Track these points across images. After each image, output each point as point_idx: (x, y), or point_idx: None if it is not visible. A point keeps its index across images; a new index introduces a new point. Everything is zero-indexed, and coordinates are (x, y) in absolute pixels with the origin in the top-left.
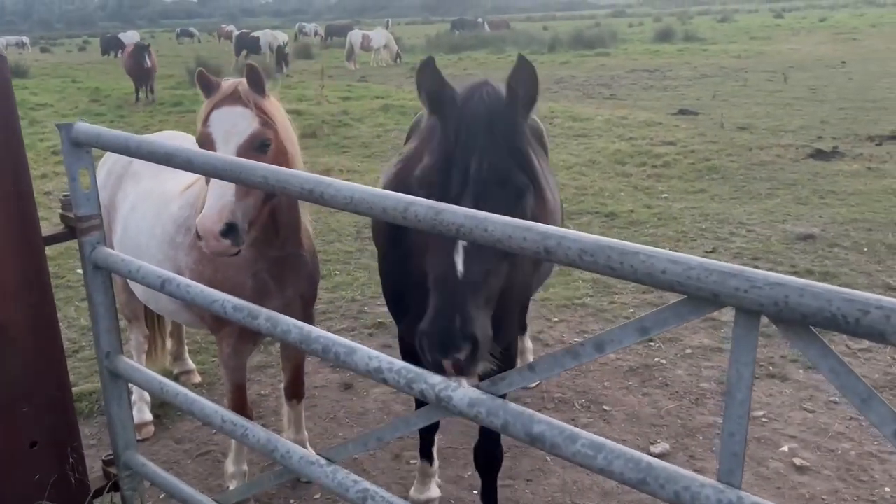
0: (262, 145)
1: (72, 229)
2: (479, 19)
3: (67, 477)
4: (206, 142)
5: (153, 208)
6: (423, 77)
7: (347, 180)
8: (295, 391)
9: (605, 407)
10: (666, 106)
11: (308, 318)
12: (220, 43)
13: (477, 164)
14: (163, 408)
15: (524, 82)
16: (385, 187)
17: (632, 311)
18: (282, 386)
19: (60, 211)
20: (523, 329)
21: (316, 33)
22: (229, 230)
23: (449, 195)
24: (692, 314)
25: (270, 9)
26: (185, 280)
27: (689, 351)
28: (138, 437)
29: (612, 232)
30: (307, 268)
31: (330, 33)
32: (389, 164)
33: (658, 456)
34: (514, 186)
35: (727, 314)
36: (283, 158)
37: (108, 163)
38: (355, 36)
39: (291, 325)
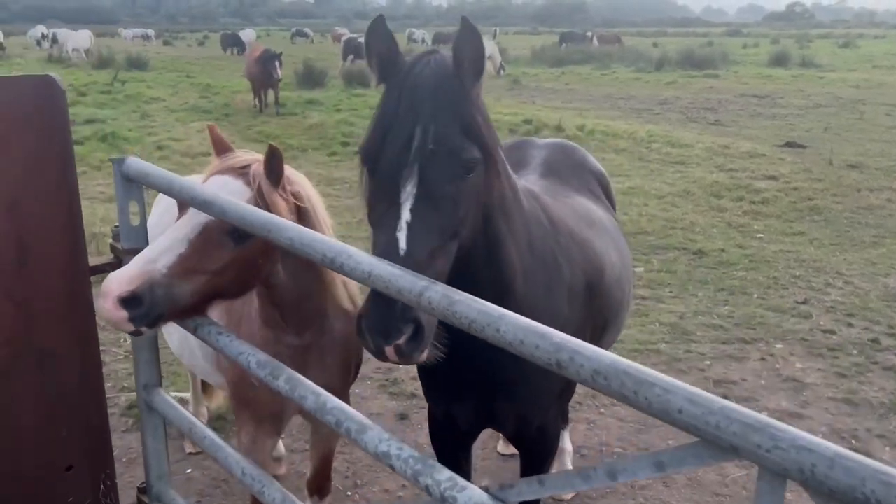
0: (238, 235)
1: (120, 260)
2: (588, 33)
3: (100, 502)
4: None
5: None
6: (373, 39)
7: None
8: (319, 485)
9: None
10: (772, 136)
11: None
12: (332, 45)
13: (421, 134)
14: (219, 421)
15: (468, 48)
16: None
17: (708, 363)
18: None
19: (110, 241)
20: (564, 419)
21: (423, 40)
22: (132, 301)
23: (390, 168)
24: (712, 459)
25: (383, 12)
26: (217, 326)
27: (765, 414)
28: (190, 451)
29: (699, 272)
30: (336, 357)
31: (437, 41)
32: None
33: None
34: (462, 158)
35: (809, 376)
36: (264, 265)
37: (163, 203)
38: None
39: (309, 391)
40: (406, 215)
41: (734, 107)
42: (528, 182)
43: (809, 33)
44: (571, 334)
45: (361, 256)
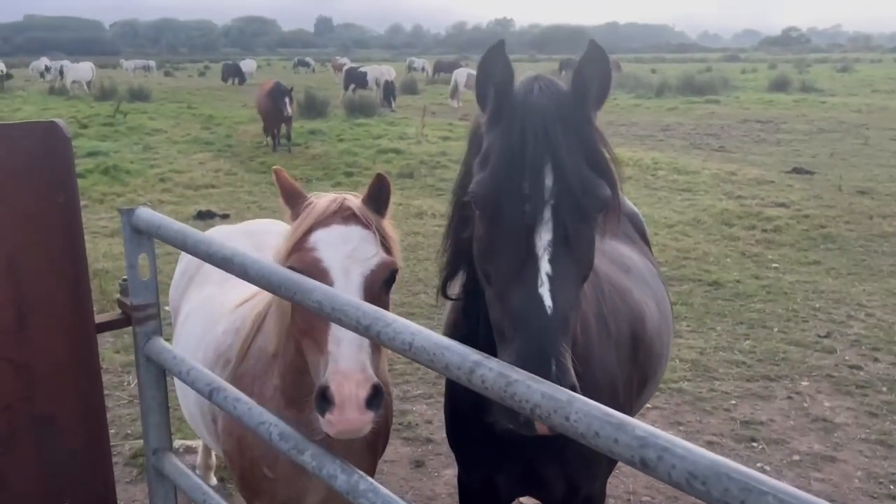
0: (390, 279)
1: (128, 316)
2: None
3: None
4: (313, 270)
5: (202, 323)
6: (491, 66)
7: (438, 225)
8: None
9: None
10: (779, 163)
11: None
12: (333, 74)
13: (554, 173)
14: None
15: (597, 72)
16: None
17: (734, 402)
18: None
19: (118, 296)
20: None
21: (423, 69)
22: (375, 396)
23: (520, 213)
24: None
25: (382, 41)
26: (235, 392)
27: (796, 458)
28: None
29: (716, 304)
30: (367, 437)
31: (438, 69)
32: None
33: None
34: (598, 198)
35: (839, 415)
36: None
37: (185, 259)
38: (460, 74)
39: (339, 469)
40: (546, 267)
41: (737, 132)
42: None
43: (807, 58)
44: (620, 391)
45: (400, 324)
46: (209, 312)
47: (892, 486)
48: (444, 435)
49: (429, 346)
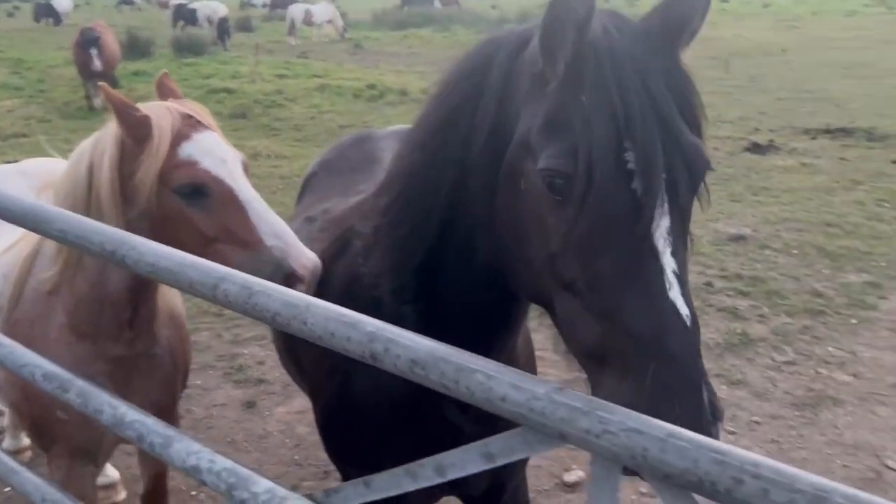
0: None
1: None
2: None
3: None
4: (207, 181)
5: None
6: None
7: (275, 166)
8: None
9: None
10: None
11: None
12: (160, 13)
13: (663, 142)
14: None
15: (699, 5)
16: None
17: None
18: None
19: None
20: None
21: (264, 4)
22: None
23: (627, 199)
24: (542, 446)
25: None
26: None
27: None
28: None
29: None
30: (164, 369)
31: (275, 5)
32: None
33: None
34: (704, 165)
35: None
36: None
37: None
38: (296, 10)
39: (105, 403)
40: (671, 264)
41: None
42: None
43: None
44: None
45: (146, 247)
46: None
47: None
48: (278, 375)
49: (172, 265)
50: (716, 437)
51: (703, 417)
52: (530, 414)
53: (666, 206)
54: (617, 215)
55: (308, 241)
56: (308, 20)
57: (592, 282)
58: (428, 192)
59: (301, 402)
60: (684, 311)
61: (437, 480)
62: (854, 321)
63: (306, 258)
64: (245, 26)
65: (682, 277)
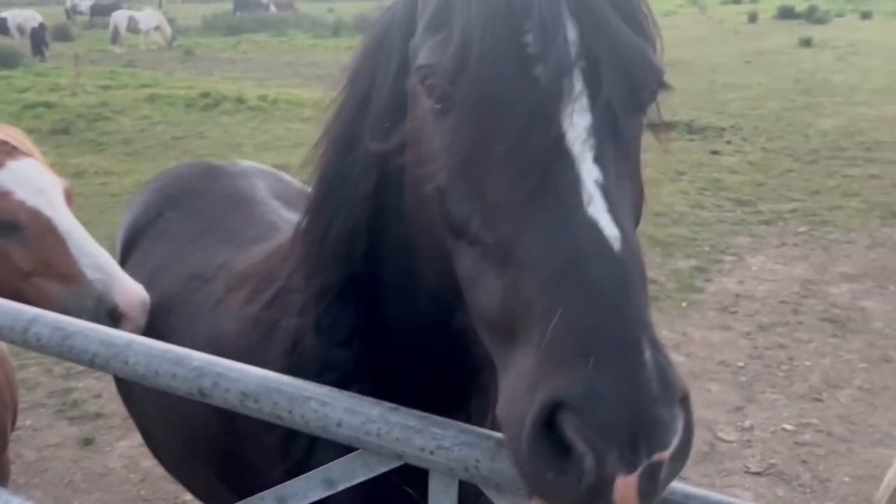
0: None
1: None
2: (264, 0)
3: None
4: (21, 213)
5: None
6: None
7: (103, 184)
8: None
9: None
10: None
11: None
12: None
13: (580, 23)
14: None
15: None
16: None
17: None
18: None
19: None
20: None
21: (83, 11)
22: None
23: (527, 88)
24: (382, 466)
25: None
26: None
27: None
28: None
29: None
30: None
31: (96, 12)
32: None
33: None
34: (653, 72)
35: None
36: None
37: None
38: (119, 17)
39: None
40: (594, 173)
41: None
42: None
43: None
44: None
45: None
46: None
47: None
48: (115, 407)
49: None
50: (668, 421)
51: (643, 391)
52: (366, 437)
53: (585, 100)
54: (513, 113)
55: (214, 304)
56: (133, 27)
57: (488, 213)
58: (347, 187)
59: None
60: (611, 230)
61: None
62: (684, 304)
63: (132, 291)
64: (65, 35)
65: (609, 191)
